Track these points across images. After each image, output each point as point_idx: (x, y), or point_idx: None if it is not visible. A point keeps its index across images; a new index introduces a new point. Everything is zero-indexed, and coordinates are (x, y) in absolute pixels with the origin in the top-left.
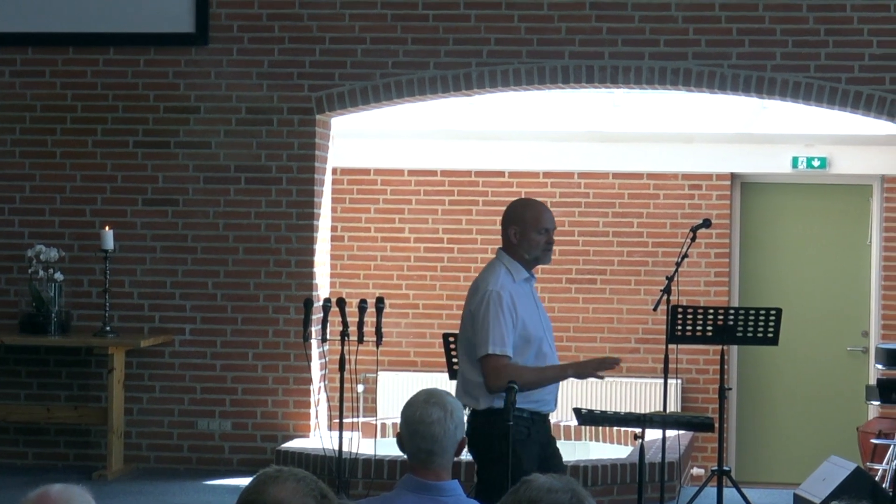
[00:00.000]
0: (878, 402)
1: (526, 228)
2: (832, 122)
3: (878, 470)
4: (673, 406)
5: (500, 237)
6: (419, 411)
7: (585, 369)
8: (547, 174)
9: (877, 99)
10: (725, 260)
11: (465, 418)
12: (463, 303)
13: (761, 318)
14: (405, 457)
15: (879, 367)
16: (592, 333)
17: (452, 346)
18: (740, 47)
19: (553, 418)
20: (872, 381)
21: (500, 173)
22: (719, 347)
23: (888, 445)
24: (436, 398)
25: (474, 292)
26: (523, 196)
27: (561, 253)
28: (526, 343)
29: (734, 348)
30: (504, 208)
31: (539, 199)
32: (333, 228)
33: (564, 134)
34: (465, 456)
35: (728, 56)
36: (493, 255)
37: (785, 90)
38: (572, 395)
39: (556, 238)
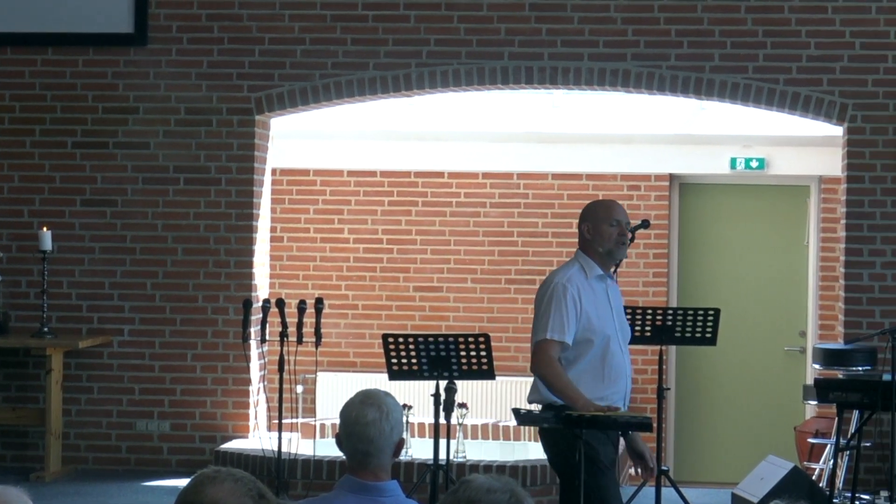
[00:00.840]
0: (815, 402)
1: (597, 222)
2: (770, 124)
3: (815, 469)
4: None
5: (439, 237)
6: (355, 412)
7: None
8: (486, 175)
9: (814, 100)
10: (664, 260)
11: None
12: (402, 303)
13: (700, 318)
14: (344, 457)
15: (816, 366)
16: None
17: (392, 346)
18: (679, 48)
19: (491, 419)
20: (810, 381)
21: (440, 174)
22: (658, 347)
23: (825, 445)
24: (372, 399)
25: (544, 287)
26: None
27: (500, 254)
28: (588, 339)
29: (672, 348)
30: (443, 208)
31: (478, 199)
32: (273, 229)
33: (504, 135)
34: (405, 456)
35: (667, 57)
36: (432, 255)
37: (723, 91)
38: (511, 394)
39: (495, 239)
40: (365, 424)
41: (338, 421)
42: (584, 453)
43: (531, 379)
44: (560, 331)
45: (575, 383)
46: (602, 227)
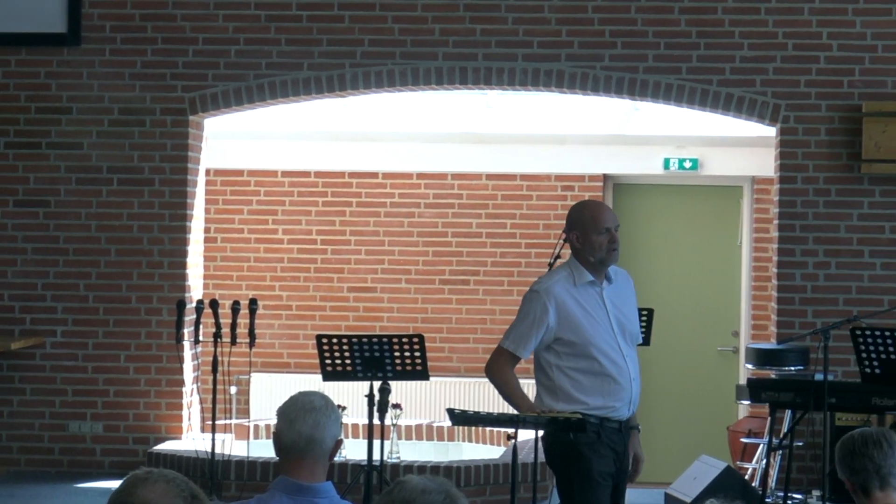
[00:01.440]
0: (747, 402)
1: (586, 231)
2: (703, 124)
3: (747, 469)
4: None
5: (373, 238)
6: (301, 399)
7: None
8: (421, 175)
9: (747, 101)
10: None
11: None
12: (336, 303)
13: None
14: (278, 459)
15: (749, 366)
16: (465, 334)
17: (325, 347)
18: (613, 49)
19: (425, 419)
20: (742, 381)
21: (374, 174)
22: None
23: (758, 445)
24: (314, 394)
25: (528, 291)
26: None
27: (434, 254)
28: (578, 345)
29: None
30: (378, 209)
31: (412, 200)
32: (206, 230)
33: (438, 135)
34: (339, 457)
35: (601, 58)
36: (367, 256)
37: (657, 92)
38: (445, 395)
39: (429, 239)
40: (311, 410)
41: (271, 422)
42: (578, 466)
43: (465, 379)
44: (515, 342)
45: (572, 390)
46: (591, 238)
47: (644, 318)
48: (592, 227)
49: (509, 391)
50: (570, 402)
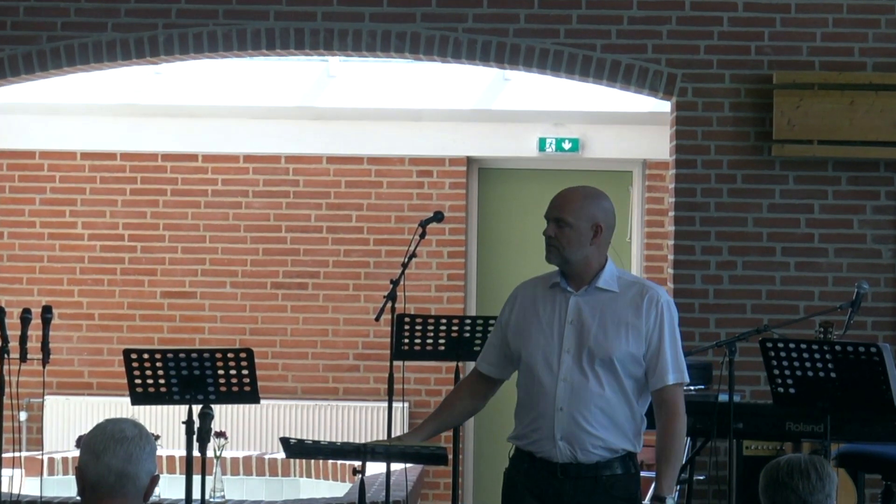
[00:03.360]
0: None
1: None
2: (585, 98)
3: None
4: (399, 434)
5: (191, 233)
6: (109, 427)
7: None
8: (249, 158)
9: (637, 70)
10: (461, 260)
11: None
12: (148, 312)
13: None
14: (81, 499)
15: None
16: (303, 349)
17: (135, 364)
18: (478, 8)
19: (255, 450)
20: None
21: (193, 156)
22: (454, 364)
23: (650, 479)
24: (125, 422)
25: None
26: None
27: (265, 252)
28: (516, 356)
29: (471, 365)
30: (197, 198)
31: (239, 187)
32: None
33: (269, 110)
34: (154, 496)
35: (463, 18)
36: (184, 255)
37: (530, 59)
38: (279, 421)
39: (259, 234)
40: (122, 440)
41: (72, 454)
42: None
43: (303, 402)
44: (481, 354)
45: (516, 410)
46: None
47: None
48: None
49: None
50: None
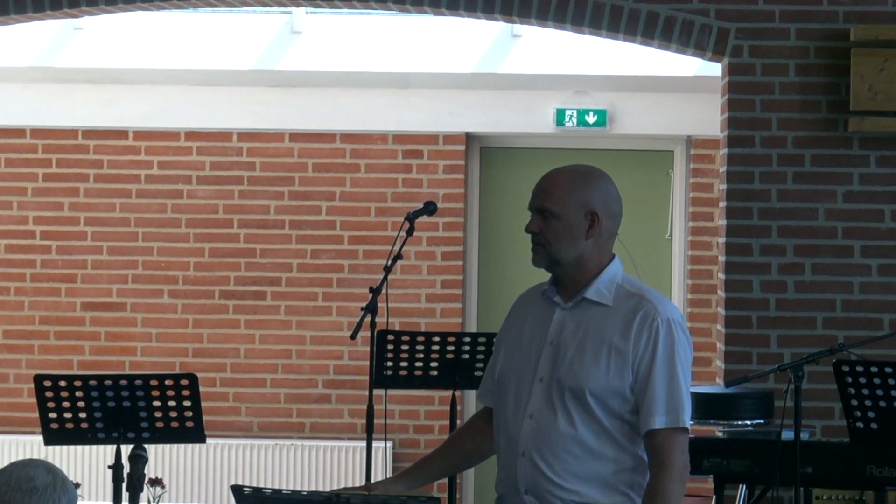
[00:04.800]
0: None
1: None
2: (615, 60)
3: None
4: (381, 478)
5: (120, 229)
6: (16, 474)
7: None
8: (192, 134)
9: (680, 24)
10: (458, 263)
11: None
12: (65, 328)
13: None
14: None
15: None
16: (260, 374)
17: (49, 393)
18: None
19: (199, 501)
20: None
21: (122, 133)
22: (449, 394)
23: None
24: (38, 462)
25: None
26: None
27: (212, 253)
28: (496, 384)
29: (470, 394)
30: (127, 185)
31: (180, 172)
32: None
33: (217, 74)
34: None
35: None
36: (110, 256)
37: (545, 10)
38: (230, 464)
39: (205, 231)
40: (31, 491)
41: None
42: None
43: (260, 441)
44: (483, 381)
45: None
46: None
47: None
48: None
49: None
50: None
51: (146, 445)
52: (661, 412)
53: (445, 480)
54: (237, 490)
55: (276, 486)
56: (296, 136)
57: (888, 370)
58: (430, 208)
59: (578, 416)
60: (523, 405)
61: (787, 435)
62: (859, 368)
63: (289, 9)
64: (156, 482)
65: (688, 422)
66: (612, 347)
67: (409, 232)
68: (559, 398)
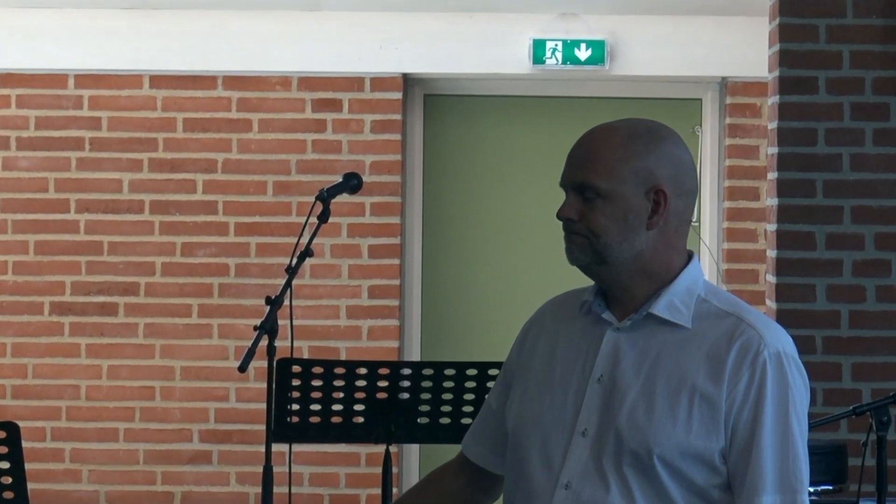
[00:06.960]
0: None
1: None
2: None
3: None
4: None
5: None
6: None
7: None
8: (9, 78)
9: None
10: (395, 261)
11: None
12: None
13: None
14: None
15: None
16: (110, 422)
17: None
18: None
19: None
20: None
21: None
22: (381, 449)
23: None
24: None
25: None
26: None
27: (39, 249)
28: (511, 438)
29: (412, 451)
30: None
31: None
32: None
33: None
34: None
35: None
36: None
37: None
38: None
39: (29, 217)
40: None
41: None
42: None
43: None
44: (473, 426)
45: None
46: None
47: None
48: None
49: None
50: None
51: None
52: (772, 489)
53: None
54: None
55: None
56: (158, 80)
57: None
58: (352, 183)
59: (640, 490)
60: (556, 471)
61: None
62: None
63: None
64: None
65: (807, 501)
66: (697, 392)
67: (324, 217)
68: (613, 462)
